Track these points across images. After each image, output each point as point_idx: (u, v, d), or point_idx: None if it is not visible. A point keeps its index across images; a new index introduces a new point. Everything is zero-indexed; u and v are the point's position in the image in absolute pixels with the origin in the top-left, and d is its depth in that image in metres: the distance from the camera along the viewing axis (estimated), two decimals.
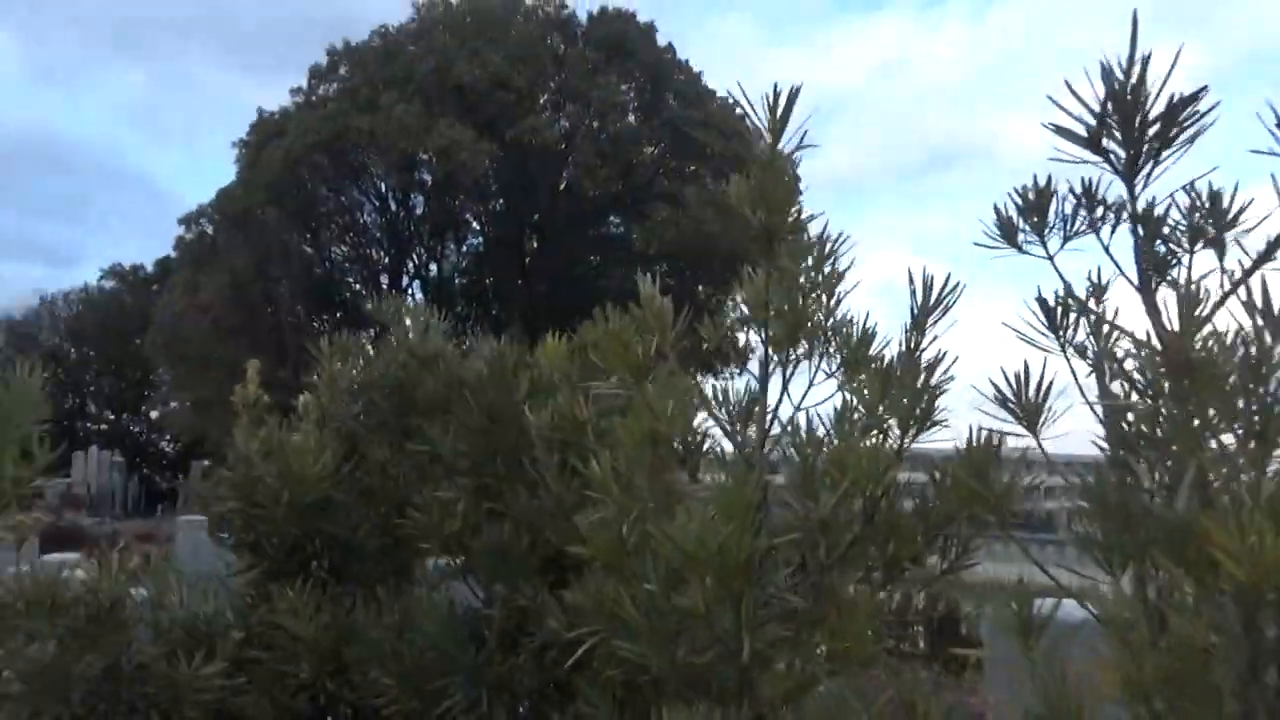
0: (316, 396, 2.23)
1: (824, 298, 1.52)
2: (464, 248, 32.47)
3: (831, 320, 1.59)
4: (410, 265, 33.64)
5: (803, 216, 1.44)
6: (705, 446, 1.64)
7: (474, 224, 29.92)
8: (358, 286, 34.16)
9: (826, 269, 1.46)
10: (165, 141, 74.37)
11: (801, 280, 1.46)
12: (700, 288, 28.37)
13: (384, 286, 33.64)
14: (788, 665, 1.42)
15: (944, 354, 1.48)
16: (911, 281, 1.50)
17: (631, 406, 1.55)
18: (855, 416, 1.48)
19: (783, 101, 1.39)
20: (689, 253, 24.26)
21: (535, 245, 29.89)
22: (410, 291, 34.84)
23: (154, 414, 42.39)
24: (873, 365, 1.54)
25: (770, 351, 1.58)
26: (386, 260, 33.07)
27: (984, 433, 1.29)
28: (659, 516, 1.57)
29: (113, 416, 43.66)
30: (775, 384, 1.68)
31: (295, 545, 2.16)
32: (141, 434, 42.61)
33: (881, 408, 1.34)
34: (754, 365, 1.69)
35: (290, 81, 31.86)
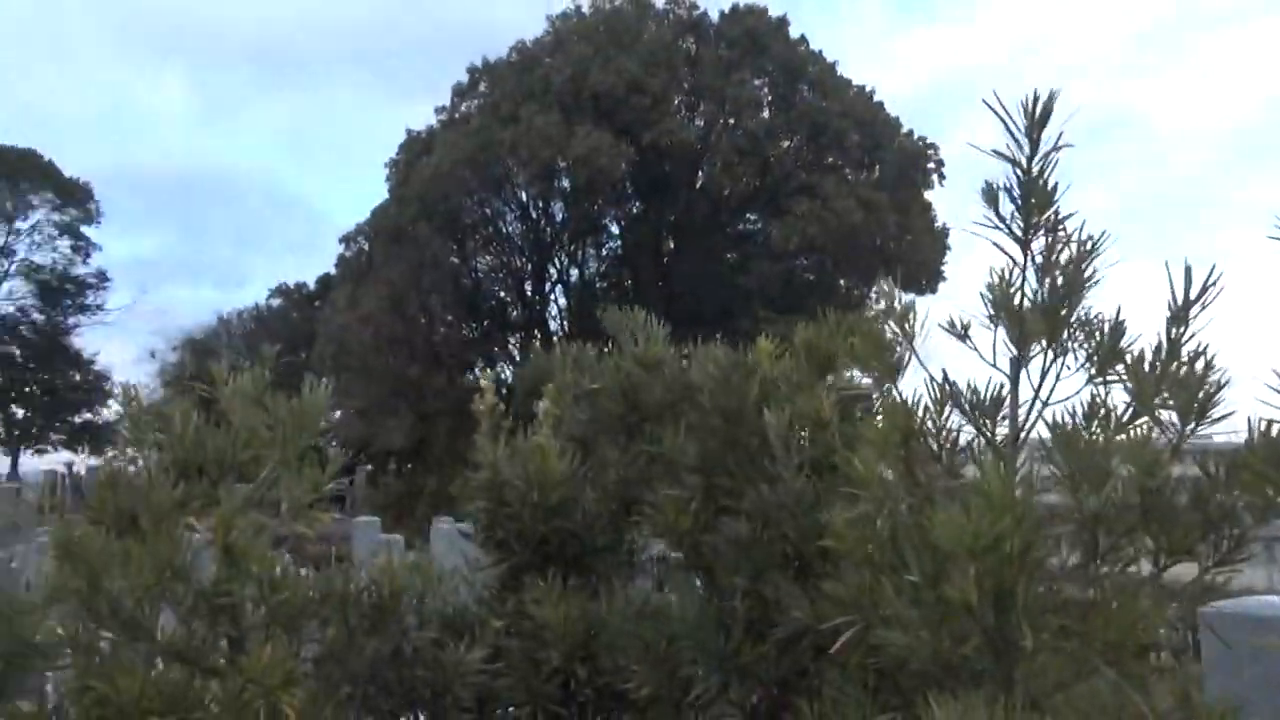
0: (551, 403, 2.40)
1: (1076, 291, 1.54)
2: (603, 251, 33.08)
3: (1081, 313, 1.60)
4: (552, 271, 34.59)
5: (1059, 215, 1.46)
6: (958, 442, 1.68)
7: (612, 228, 30.44)
8: (502, 294, 35.40)
9: (1085, 267, 1.48)
10: (319, 166, 79.13)
11: (1059, 277, 1.48)
12: (842, 281, 27.95)
13: (527, 293, 34.76)
14: (1061, 655, 1.45)
15: (1205, 346, 1.48)
16: (1169, 272, 1.50)
17: (886, 404, 1.61)
18: (1116, 410, 1.50)
19: (1039, 108, 1.42)
20: (831, 246, 23.91)
21: (673, 246, 30.15)
22: (552, 297, 35.90)
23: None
24: (1128, 357, 1.55)
25: (1019, 346, 1.61)
26: (529, 267, 34.08)
27: (1269, 424, 1.29)
28: (917, 511, 1.63)
29: None
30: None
31: (540, 541, 2.33)
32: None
33: (1157, 400, 1.36)
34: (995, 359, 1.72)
35: (435, 101, 33.29)
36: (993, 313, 1.63)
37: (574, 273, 34.09)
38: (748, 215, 28.07)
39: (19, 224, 40.47)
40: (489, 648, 2.21)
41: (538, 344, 35.49)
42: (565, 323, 35.19)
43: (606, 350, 2.49)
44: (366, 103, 73.71)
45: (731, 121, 25.93)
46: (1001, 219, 1.48)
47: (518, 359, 34.42)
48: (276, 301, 49.33)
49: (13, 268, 40.89)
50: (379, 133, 75.22)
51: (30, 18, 64.21)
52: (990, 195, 1.48)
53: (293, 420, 2.13)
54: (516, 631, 2.31)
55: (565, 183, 28.44)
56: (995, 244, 1.49)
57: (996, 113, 1.41)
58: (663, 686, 2.06)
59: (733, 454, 2.07)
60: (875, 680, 1.81)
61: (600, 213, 30.03)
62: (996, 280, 1.56)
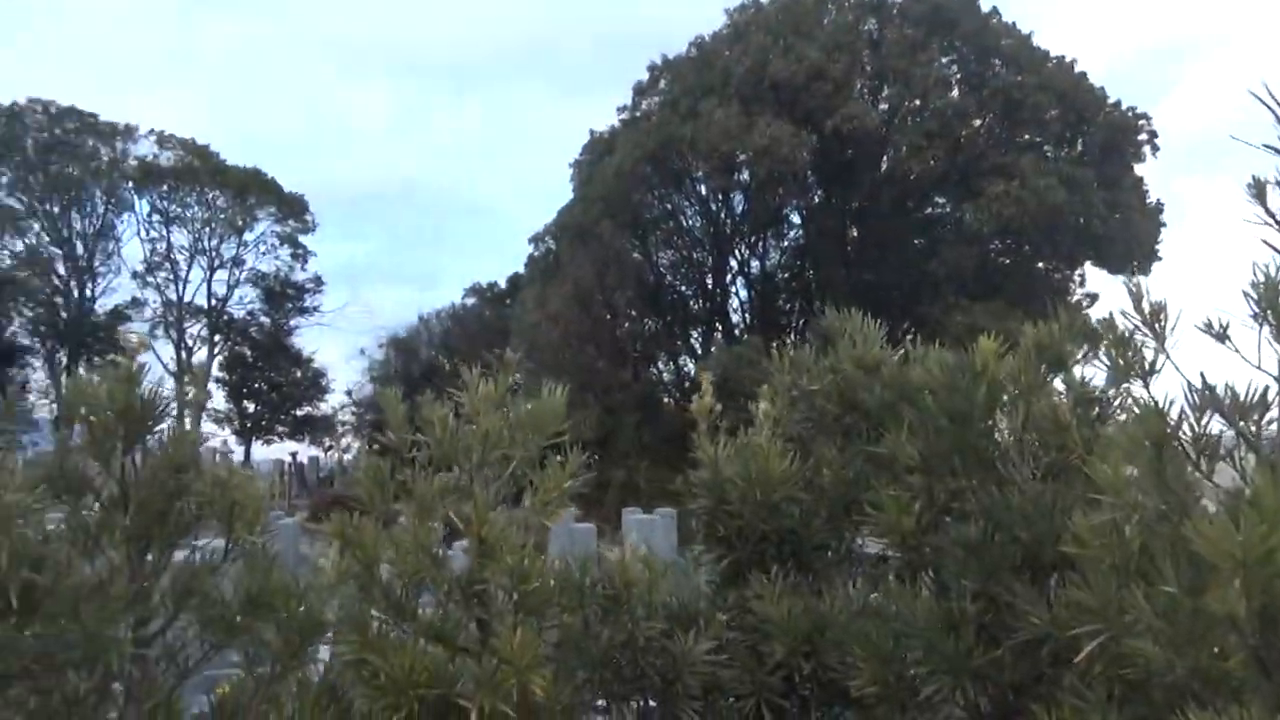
0: (770, 404, 2.45)
1: None
2: (784, 243, 32.76)
3: None
4: (732, 264, 34.60)
5: None
6: (1218, 447, 1.60)
7: (794, 218, 30.08)
8: (684, 288, 35.77)
9: None
10: (506, 169, 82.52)
11: None
12: (1040, 264, 26.39)
13: (708, 286, 34.94)
14: None
15: None
16: None
17: (1134, 406, 1.56)
18: None
19: None
20: (1029, 228, 22.62)
21: (857, 234, 29.44)
22: (733, 290, 35.93)
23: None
24: None
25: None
26: (710, 261, 34.24)
27: None
28: (1171, 518, 1.57)
29: None
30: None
31: (760, 539, 2.39)
32: None
33: None
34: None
35: (616, 101, 34.02)
36: (1258, 311, 1.55)
37: (755, 265, 33.96)
38: (937, 199, 27.00)
39: (246, 236, 44.80)
40: (714, 640, 2.30)
41: (719, 337, 35.68)
42: (747, 315, 35.16)
43: (823, 351, 2.51)
44: (550, 106, 76.33)
45: (918, 103, 25.00)
46: (1270, 214, 1.40)
47: (699, 353, 34.73)
48: (470, 301, 52.10)
49: (242, 276, 45.35)
50: (562, 134, 77.67)
51: (244, 48, 70.76)
52: (1259, 189, 1.40)
53: (532, 422, 2.29)
54: (739, 625, 2.39)
55: (745, 175, 28.36)
56: (1265, 241, 1.41)
57: (1269, 105, 1.33)
58: (889, 685, 2.08)
59: (960, 456, 2.05)
60: (1121, 691, 1.76)
61: (781, 203, 29.75)
62: (1263, 278, 1.48)
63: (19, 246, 41.48)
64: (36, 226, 41.72)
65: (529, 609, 2.08)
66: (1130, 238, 24.88)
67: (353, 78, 79.07)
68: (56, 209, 41.96)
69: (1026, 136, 24.56)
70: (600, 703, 2.40)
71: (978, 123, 24.99)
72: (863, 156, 25.86)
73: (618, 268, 30.07)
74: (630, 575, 2.22)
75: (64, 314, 42.73)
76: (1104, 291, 27.87)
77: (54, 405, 43.92)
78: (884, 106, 26.05)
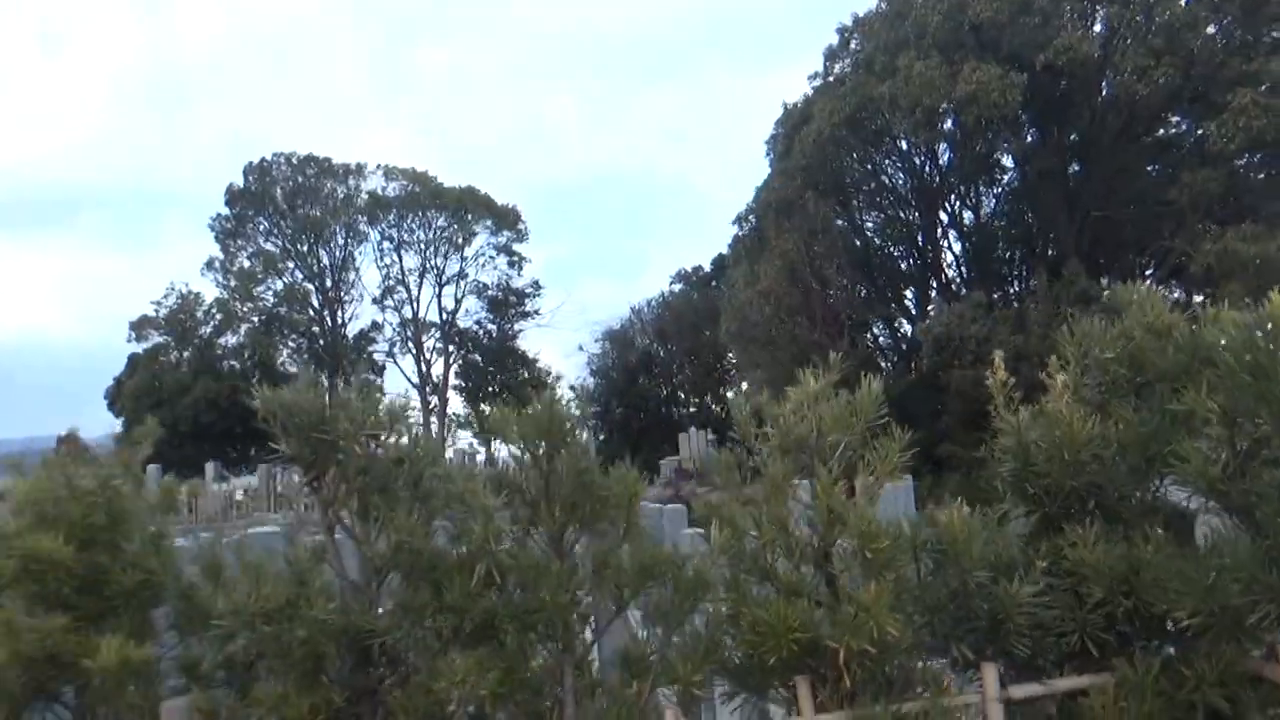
0: (1064, 373, 2.73)
1: None
2: (997, 189, 31.25)
3: None
4: (942, 218, 33.42)
5: None
6: None
7: (1006, 163, 28.62)
8: (892, 249, 34.93)
9: None
10: (699, 150, 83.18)
11: None
12: None
13: (919, 244, 33.90)
14: None
15: None
16: None
17: None
18: None
19: None
20: None
21: (1078, 169, 27.58)
22: (945, 245, 34.66)
23: (729, 394, 48.23)
24: None
25: None
26: (917, 218, 33.23)
27: None
28: None
29: (698, 400, 50.33)
30: None
31: (1068, 494, 2.68)
32: (723, 413, 48.59)
33: None
34: None
35: (807, 69, 33.66)
36: None
37: (968, 217, 32.65)
38: (1169, 120, 24.84)
39: (466, 251, 48.14)
40: (1035, 584, 2.62)
41: (934, 295, 34.58)
42: (962, 269, 33.85)
43: (1112, 322, 2.75)
44: (739, 80, 76.35)
45: (1140, 19, 23.08)
46: None
47: (914, 313, 33.83)
48: (678, 287, 53.27)
49: (465, 288, 48.84)
50: (755, 108, 77.41)
51: (440, 69, 75.38)
52: None
53: (857, 409, 2.70)
54: (1056, 571, 2.69)
55: (949, 125, 27.28)
56: None
57: None
58: (1212, 615, 2.32)
59: (1265, 407, 2.26)
60: None
61: (990, 149, 28.40)
62: None
63: (279, 285, 46.75)
64: (291, 265, 46.84)
65: (877, 565, 2.50)
66: None
67: (544, 79, 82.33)
68: (305, 248, 46.92)
69: (1274, 35, 22.09)
70: (933, 641, 2.77)
71: (1212, 30, 22.72)
72: (1078, 88, 24.21)
73: (824, 237, 29.88)
74: (956, 531, 2.58)
75: (321, 341, 47.71)
76: None
77: None
78: (1098, 29, 24.24)
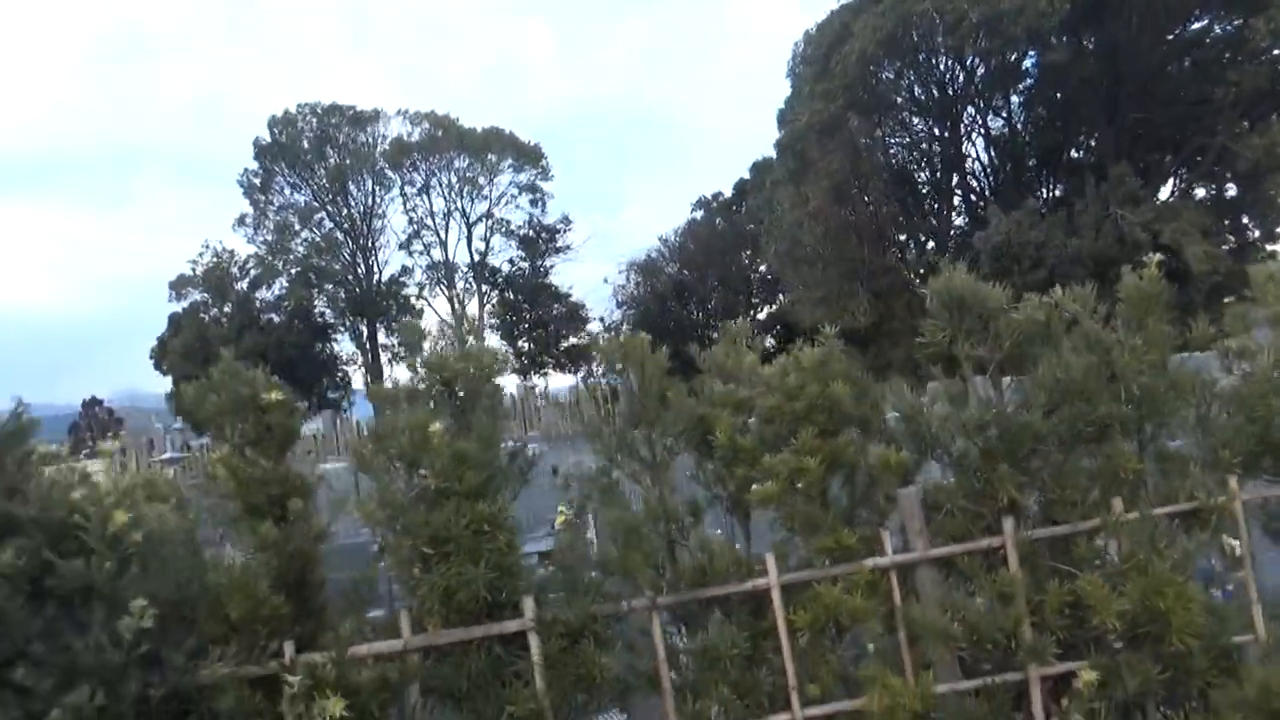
0: None
1: None
2: (1032, 100, 31.62)
3: None
4: (974, 130, 33.92)
5: None
6: None
7: (1042, 72, 29.02)
8: (927, 164, 35.49)
9: None
10: (686, 78, 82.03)
11: None
12: None
13: (955, 157, 34.36)
14: None
15: None
16: None
17: None
18: None
19: None
20: None
21: (1117, 74, 27.96)
22: (975, 156, 35.12)
23: (760, 315, 49.21)
24: None
25: None
26: (949, 132, 33.71)
27: None
28: None
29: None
30: None
31: None
32: (755, 333, 49.48)
33: None
34: None
35: None
36: None
37: (999, 126, 33.15)
38: (1207, 16, 25.25)
39: (492, 191, 48.50)
40: None
41: (983, 206, 35.25)
42: (992, 179, 34.47)
43: None
44: (704, 10, 75.38)
45: None
46: None
47: (956, 225, 34.51)
48: (699, 214, 53.72)
49: (491, 227, 49.33)
50: (737, 32, 76.51)
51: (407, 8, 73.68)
52: None
53: None
54: None
55: (983, 41, 27.54)
56: None
57: None
58: None
59: None
60: None
61: (1025, 60, 28.78)
62: None
63: (311, 236, 47.21)
64: (321, 216, 47.24)
65: None
66: None
67: (516, 14, 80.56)
68: (333, 198, 47.26)
69: None
70: None
71: None
72: None
73: (868, 156, 30.52)
74: None
75: (357, 289, 48.34)
76: None
77: (366, 372, 50.15)
78: None
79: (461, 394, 3.26)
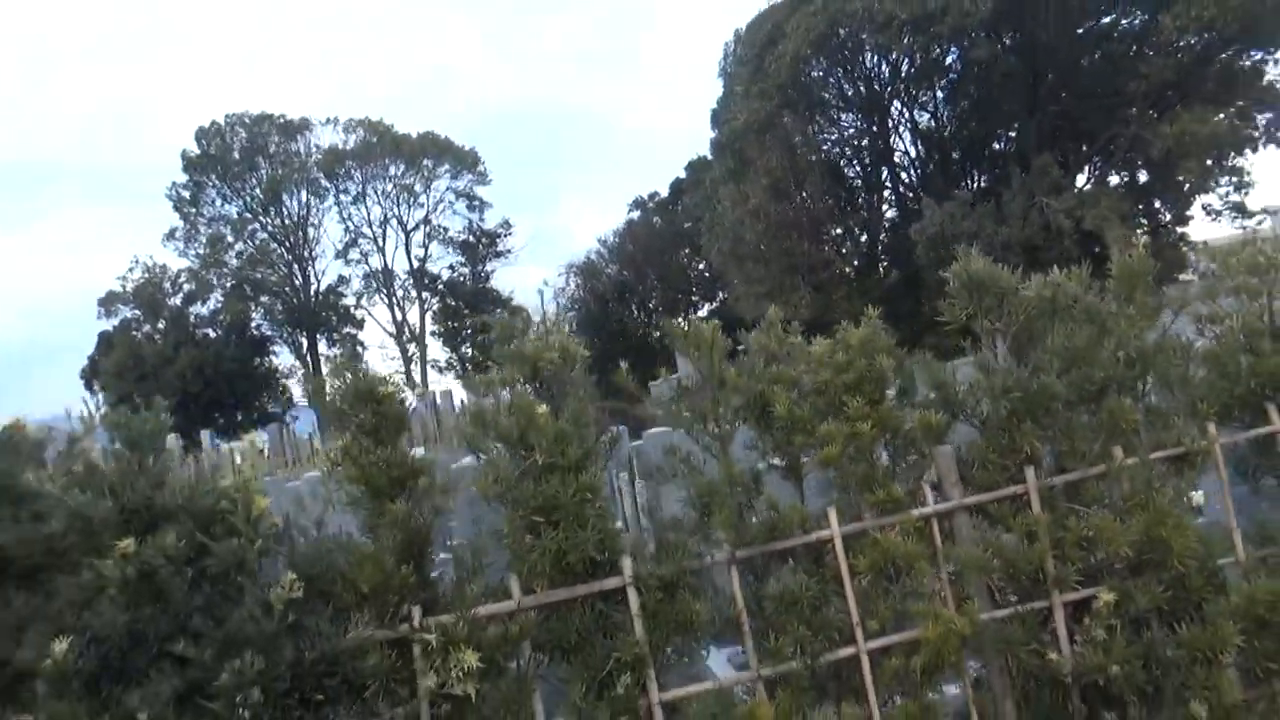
0: None
1: None
2: (956, 95, 32.82)
3: None
4: (901, 126, 35.13)
5: None
6: None
7: (966, 68, 30.22)
8: (857, 160, 36.58)
9: None
10: (616, 75, 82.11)
11: None
12: (1243, 61, 25.83)
13: (883, 152, 35.49)
14: None
15: None
16: None
17: None
18: None
19: None
20: (1231, 25, 22.41)
21: (1033, 66, 29.23)
22: (903, 150, 36.33)
23: (701, 312, 50.04)
24: None
25: None
26: (877, 128, 34.85)
27: None
28: None
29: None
30: None
31: None
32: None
33: None
34: None
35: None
36: None
37: (925, 120, 34.38)
38: (1117, 16, 26.68)
39: (428, 197, 48.29)
40: None
41: (891, 196, 36.54)
42: (919, 172, 35.75)
43: None
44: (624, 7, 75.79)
45: None
46: None
47: (866, 220, 35.64)
48: (636, 214, 54.31)
49: (428, 233, 49.13)
50: (662, 32, 77.13)
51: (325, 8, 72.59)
52: None
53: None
54: None
55: (912, 36, 28.56)
56: None
57: None
58: None
59: None
60: None
61: (952, 56, 29.95)
62: None
63: (245, 248, 46.42)
64: (256, 227, 46.49)
65: None
66: None
67: (439, 13, 79.94)
68: (266, 208, 46.53)
69: None
70: None
71: None
72: None
73: (802, 153, 31.40)
74: None
75: (294, 300, 47.68)
76: None
77: (305, 385, 49.47)
78: None
79: (549, 379, 3.66)
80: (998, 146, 32.56)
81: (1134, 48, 26.53)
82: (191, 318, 44.77)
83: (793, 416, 3.73)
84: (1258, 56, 25.95)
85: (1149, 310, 3.82)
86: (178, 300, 44.83)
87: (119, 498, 3.20)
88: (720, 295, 48.61)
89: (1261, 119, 25.49)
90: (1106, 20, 27.52)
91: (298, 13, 71.56)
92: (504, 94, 78.26)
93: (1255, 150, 25.72)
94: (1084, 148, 30.14)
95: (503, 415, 3.51)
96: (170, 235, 45.14)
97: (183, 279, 44.79)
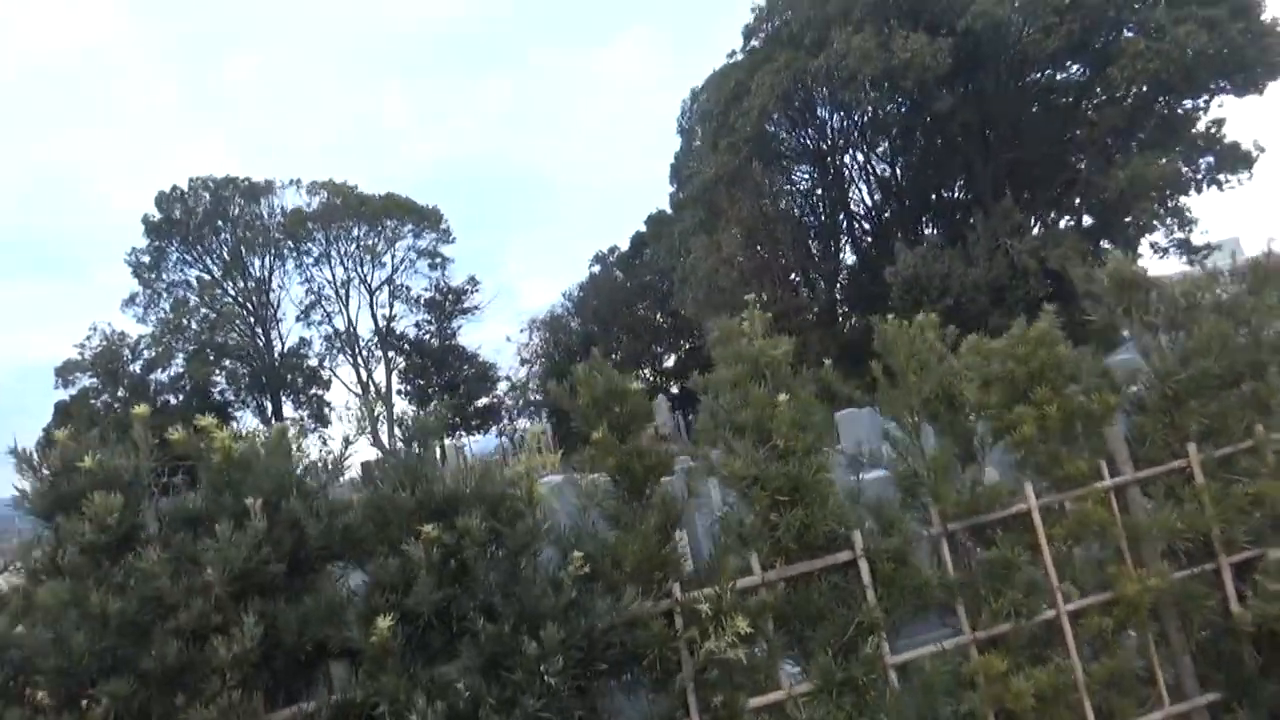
0: None
1: None
2: (916, 146, 34.22)
3: None
4: (862, 174, 36.54)
5: None
6: None
7: (925, 120, 31.64)
8: (821, 209, 37.82)
9: None
10: (550, 136, 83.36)
11: None
12: (1181, 107, 27.57)
13: (845, 201, 36.77)
14: None
15: None
16: None
17: None
18: None
19: None
20: (1173, 75, 24.03)
21: (992, 120, 30.60)
22: (864, 198, 37.71)
23: (668, 364, 50.72)
24: None
25: None
26: (829, 178, 36.18)
27: None
28: None
29: (637, 373, 52.31)
30: None
31: None
32: (661, 380, 50.81)
33: None
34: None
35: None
36: None
37: (886, 170, 35.81)
38: (1070, 69, 28.32)
39: (391, 258, 48.43)
40: None
41: (849, 245, 37.76)
42: (876, 222, 37.10)
43: None
44: (563, 64, 77.32)
45: None
46: None
47: (850, 265, 36.84)
48: (597, 269, 55.06)
49: (391, 292, 49.17)
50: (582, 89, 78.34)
51: (260, 79, 73.06)
52: None
53: None
54: None
55: (873, 91, 29.89)
56: None
57: None
58: None
59: None
60: None
61: (911, 109, 31.35)
62: None
63: (207, 312, 45.87)
64: (219, 292, 46.02)
65: None
66: (1257, 59, 25.70)
67: (371, 78, 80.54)
68: (229, 272, 46.16)
69: None
70: None
71: None
72: (990, 47, 27.31)
73: (772, 204, 32.45)
74: None
75: (256, 362, 47.09)
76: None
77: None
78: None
79: (769, 376, 4.03)
80: (953, 194, 34.01)
81: (1081, 99, 28.19)
82: (152, 384, 43.90)
83: (982, 403, 4.14)
84: (1189, 105, 27.86)
85: (1276, 304, 4.33)
86: (137, 367, 44.01)
87: (414, 489, 3.46)
88: (686, 345, 49.42)
89: (1203, 162, 27.15)
90: (1050, 73, 29.28)
91: (219, 80, 71.01)
92: (448, 155, 79.13)
93: (1200, 191, 27.36)
94: (1037, 192, 31.73)
95: (738, 408, 3.86)
96: (130, 301, 44.45)
97: (143, 345, 44.01)
